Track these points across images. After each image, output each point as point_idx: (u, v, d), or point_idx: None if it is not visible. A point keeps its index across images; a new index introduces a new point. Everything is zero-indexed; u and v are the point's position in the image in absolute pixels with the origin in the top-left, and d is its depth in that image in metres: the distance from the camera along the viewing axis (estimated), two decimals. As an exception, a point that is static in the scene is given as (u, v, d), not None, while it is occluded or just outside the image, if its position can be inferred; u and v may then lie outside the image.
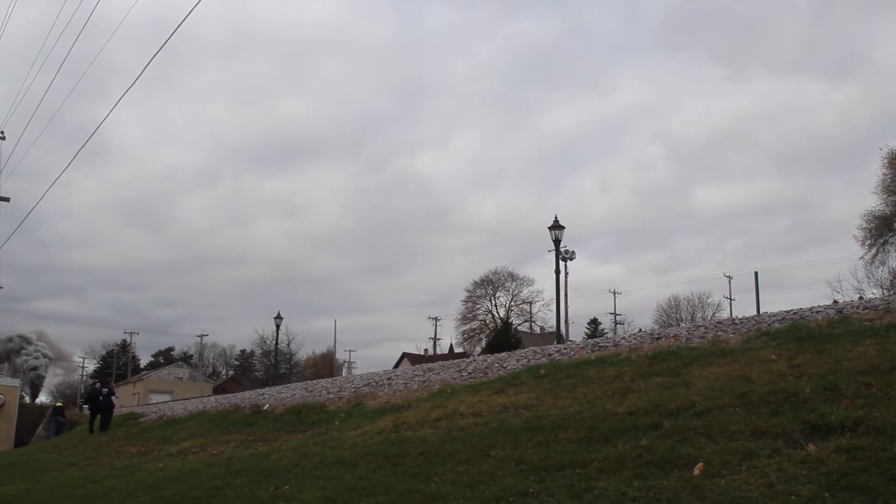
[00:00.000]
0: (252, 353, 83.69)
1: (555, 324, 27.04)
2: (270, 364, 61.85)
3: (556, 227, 22.28)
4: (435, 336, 68.72)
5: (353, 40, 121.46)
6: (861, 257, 35.93)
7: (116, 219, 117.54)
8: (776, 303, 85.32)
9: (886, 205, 34.86)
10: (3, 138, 29.34)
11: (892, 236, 34.84)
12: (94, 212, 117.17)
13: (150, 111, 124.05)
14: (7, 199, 28.30)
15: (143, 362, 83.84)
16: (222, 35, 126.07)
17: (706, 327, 11.17)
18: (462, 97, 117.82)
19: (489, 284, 64.58)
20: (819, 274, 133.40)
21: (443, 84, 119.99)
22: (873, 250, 35.43)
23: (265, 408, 16.66)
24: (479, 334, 64.13)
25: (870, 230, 35.31)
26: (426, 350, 65.63)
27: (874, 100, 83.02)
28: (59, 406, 35.28)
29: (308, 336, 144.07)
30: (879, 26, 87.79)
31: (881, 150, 35.67)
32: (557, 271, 22.46)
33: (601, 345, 12.09)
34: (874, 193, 35.50)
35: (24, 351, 58.95)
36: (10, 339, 59.59)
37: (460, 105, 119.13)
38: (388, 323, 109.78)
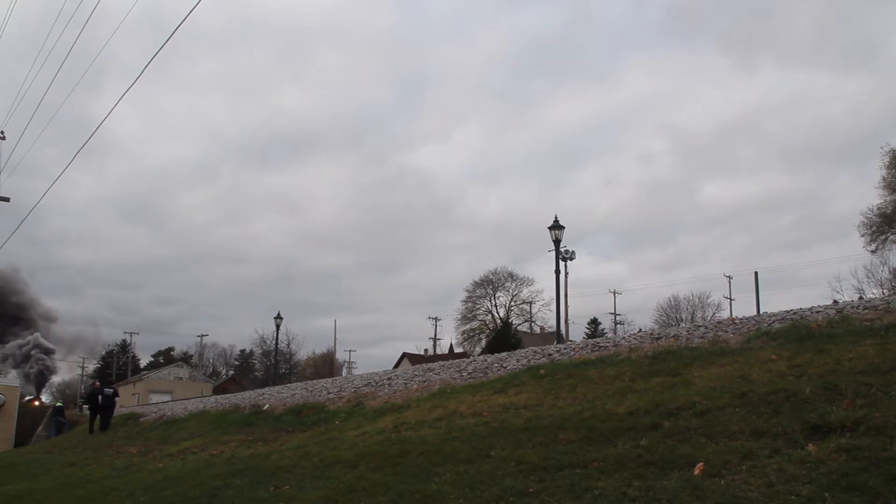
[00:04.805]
0: (252, 353, 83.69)
1: (555, 324, 27.08)
2: (270, 364, 61.85)
3: (556, 227, 22.27)
4: (435, 336, 68.86)
5: (354, 31, 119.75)
6: (863, 247, 36.07)
7: (113, 215, 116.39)
8: (780, 301, 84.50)
9: (887, 204, 34.95)
10: (3, 138, 29.28)
11: (892, 233, 34.90)
12: (91, 208, 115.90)
13: (146, 104, 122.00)
14: (7, 199, 28.24)
15: (143, 362, 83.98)
16: (219, 26, 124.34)
17: (706, 327, 11.18)
18: (464, 89, 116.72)
19: (489, 284, 64.65)
20: (824, 272, 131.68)
21: (445, 76, 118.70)
22: (873, 246, 35.61)
23: (265, 408, 16.66)
24: (479, 334, 64.17)
25: (870, 225, 35.39)
26: (426, 350, 65.69)
27: (886, 91, 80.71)
28: (59, 406, 35.27)
29: (308, 336, 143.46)
30: (893, 15, 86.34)
31: (881, 148, 35.77)
32: (557, 271, 22.47)
33: (601, 345, 12.10)
34: (877, 187, 35.67)
35: (34, 354, 58.97)
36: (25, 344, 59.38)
37: (462, 98, 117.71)
38: (388, 322, 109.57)
